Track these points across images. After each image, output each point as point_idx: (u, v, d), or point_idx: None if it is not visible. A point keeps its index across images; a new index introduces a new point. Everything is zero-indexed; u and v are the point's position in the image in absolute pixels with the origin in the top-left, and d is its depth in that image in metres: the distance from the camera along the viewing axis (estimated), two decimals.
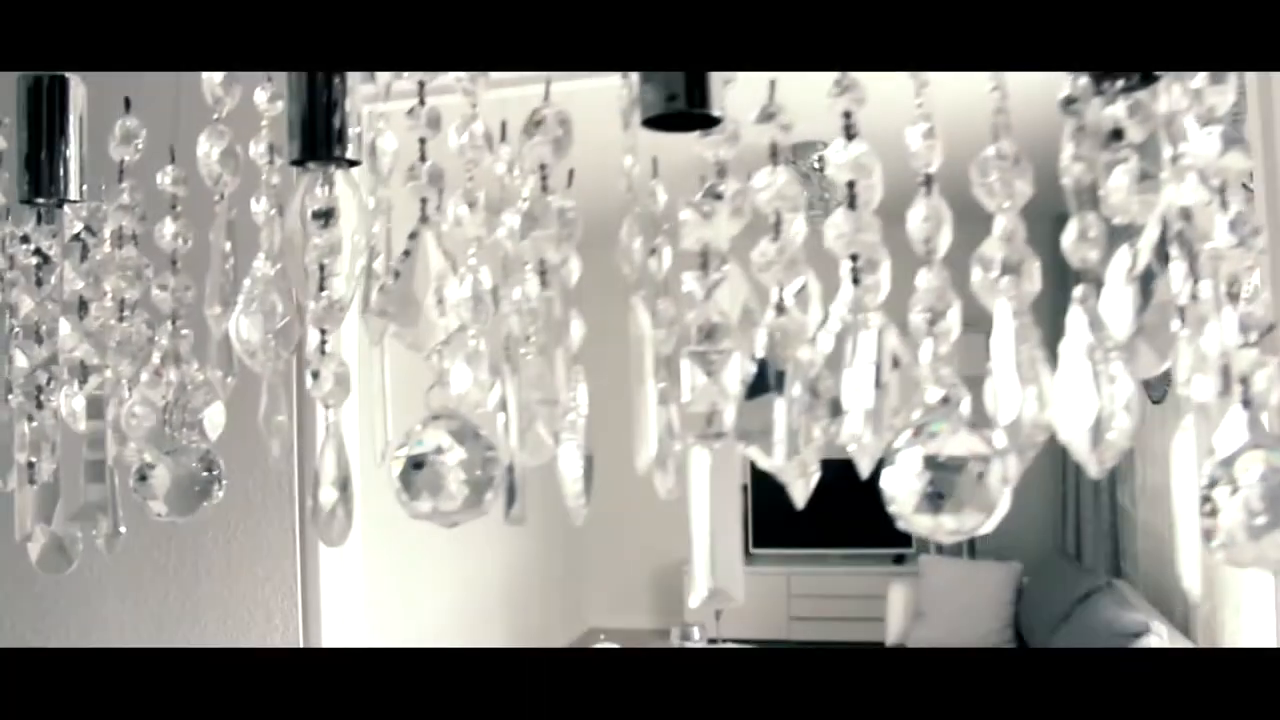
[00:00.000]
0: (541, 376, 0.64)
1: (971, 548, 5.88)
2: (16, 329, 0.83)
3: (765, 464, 0.63)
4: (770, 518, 6.31)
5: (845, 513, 6.19)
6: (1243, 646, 3.39)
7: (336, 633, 2.34)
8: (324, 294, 0.68)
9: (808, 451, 0.63)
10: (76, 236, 0.79)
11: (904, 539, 6.11)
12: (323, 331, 0.68)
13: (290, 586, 2.30)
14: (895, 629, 5.30)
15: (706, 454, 0.63)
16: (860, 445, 0.63)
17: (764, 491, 6.68)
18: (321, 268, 0.68)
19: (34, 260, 0.78)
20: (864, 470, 0.67)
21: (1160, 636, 3.69)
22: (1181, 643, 3.78)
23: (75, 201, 0.80)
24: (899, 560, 6.06)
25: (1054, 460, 5.67)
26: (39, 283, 0.78)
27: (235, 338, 0.74)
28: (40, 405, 0.79)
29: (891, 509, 0.60)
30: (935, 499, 0.58)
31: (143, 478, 0.76)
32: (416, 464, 0.63)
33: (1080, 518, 5.36)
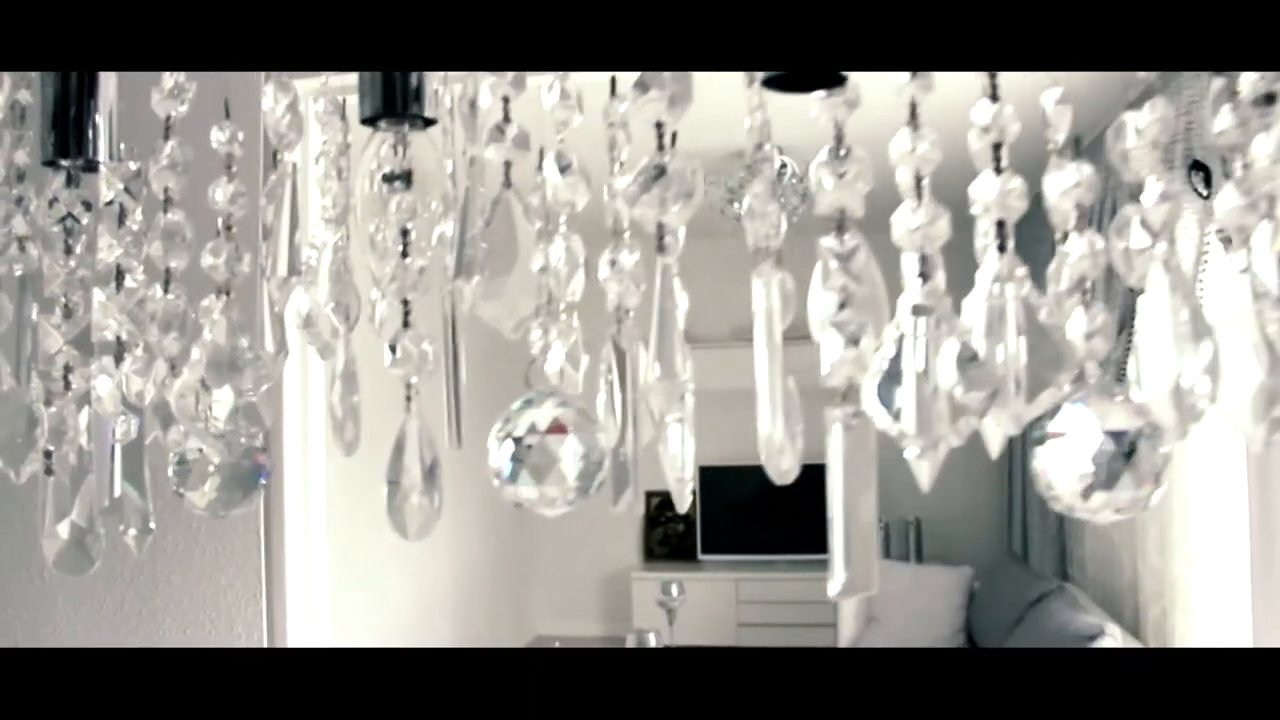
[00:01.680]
0: (658, 352, 0.59)
1: (919, 552, 5.91)
2: (32, 302, 0.75)
3: (902, 441, 0.58)
4: (718, 524, 6.29)
5: (792, 518, 6.23)
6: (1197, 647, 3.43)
7: (300, 642, 2.24)
8: (406, 261, 0.62)
9: (944, 429, 0.58)
10: (111, 201, 0.72)
11: None
12: (404, 303, 0.62)
13: (255, 593, 2.20)
14: (847, 635, 5.30)
15: (842, 431, 0.58)
16: (998, 422, 0.59)
17: (712, 497, 6.65)
18: (404, 233, 0.62)
19: (61, 226, 0.71)
20: (993, 450, 0.63)
21: (1114, 639, 3.72)
22: (1135, 646, 3.82)
23: (104, 163, 0.73)
24: None
25: (1001, 464, 5.72)
26: (67, 251, 0.71)
27: (294, 311, 0.68)
28: (67, 386, 0.72)
29: (1048, 492, 0.56)
30: (1101, 476, 0.54)
31: (185, 466, 0.69)
32: (524, 447, 0.57)
33: (1027, 522, 5.41)
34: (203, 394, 0.68)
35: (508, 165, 0.66)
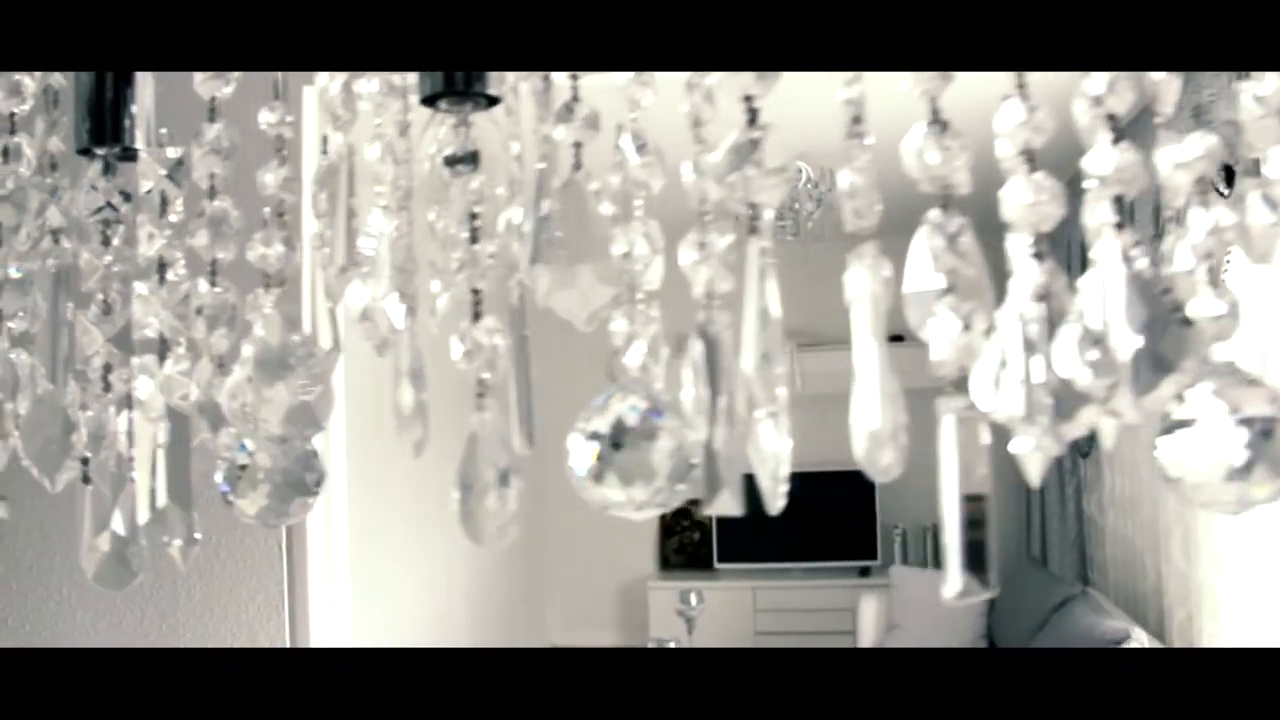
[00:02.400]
0: (753, 341, 0.54)
1: (938, 558, 5.85)
2: (67, 299, 0.71)
3: (1016, 433, 0.54)
4: (734, 532, 6.23)
5: (810, 526, 6.17)
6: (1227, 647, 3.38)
7: None
8: (475, 248, 0.58)
9: (1062, 421, 0.53)
10: (150, 190, 0.67)
11: (869, 551, 6.07)
12: (475, 292, 0.58)
13: (277, 606, 2.15)
14: (867, 642, 5.24)
15: (954, 422, 0.53)
16: (1120, 414, 0.54)
17: None
18: (473, 217, 0.58)
19: (98, 217, 0.67)
20: (1107, 442, 0.59)
21: (1141, 643, 3.67)
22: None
23: (143, 149, 0.69)
24: (864, 573, 6.01)
25: (1017, 467, 5.66)
26: (105, 243, 0.67)
27: (346, 306, 0.64)
28: (106, 388, 0.68)
29: (1181, 485, 0.51)
30: (1235, 466, 0.50)
31: (236, 473, 0.65)
32: (610, 445, 0.53)
33: (1046, 527, 5.35)
34: (251, 395, 0.64)
35: (578, 146, 0.62)
